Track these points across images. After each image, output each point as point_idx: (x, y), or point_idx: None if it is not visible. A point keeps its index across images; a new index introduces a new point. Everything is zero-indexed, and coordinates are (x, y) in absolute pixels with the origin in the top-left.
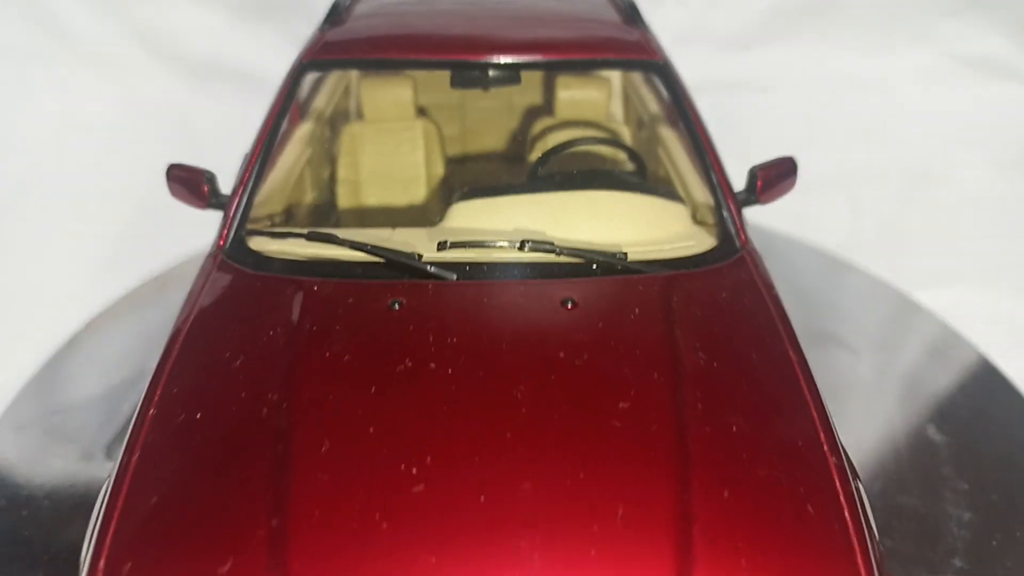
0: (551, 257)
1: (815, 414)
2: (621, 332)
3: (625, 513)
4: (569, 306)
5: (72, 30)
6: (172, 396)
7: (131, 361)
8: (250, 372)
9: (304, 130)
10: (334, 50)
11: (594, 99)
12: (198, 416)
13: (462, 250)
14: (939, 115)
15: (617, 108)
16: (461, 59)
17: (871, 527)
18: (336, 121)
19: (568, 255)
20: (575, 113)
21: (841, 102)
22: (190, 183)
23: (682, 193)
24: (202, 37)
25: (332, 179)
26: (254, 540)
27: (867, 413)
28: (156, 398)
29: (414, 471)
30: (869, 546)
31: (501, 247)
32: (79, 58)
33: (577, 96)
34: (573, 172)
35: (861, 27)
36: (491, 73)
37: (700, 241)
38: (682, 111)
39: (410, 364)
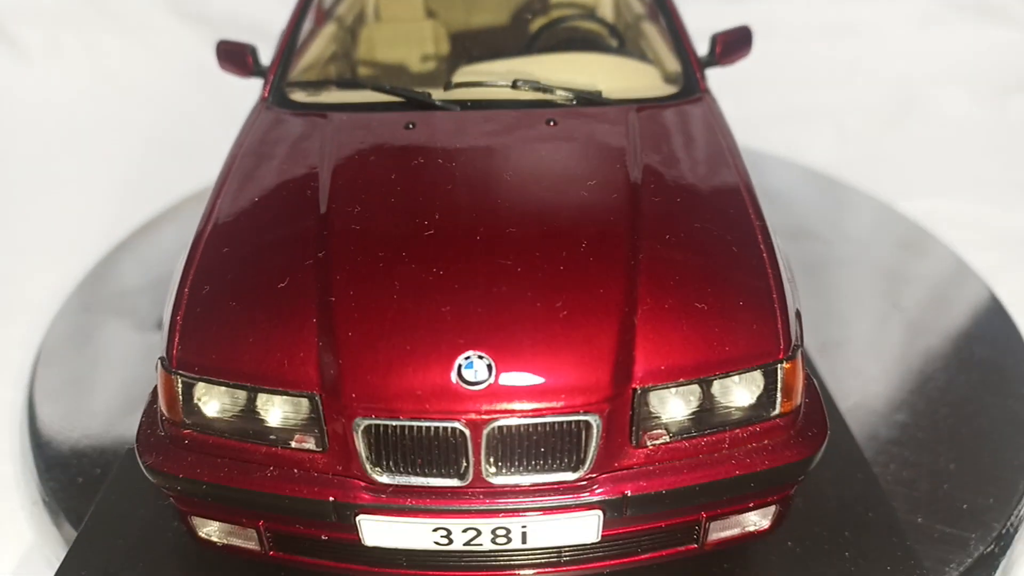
0: (539, 96)
1: (745, 193)
2: (591, 138)
3: (588, 243)
4: (551, 124)
5: None
6: (238, 184)
7: (173, 259)
8: (297, 166)
9: (328, 31)
10: None
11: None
12: (256, 198)
13: (465, 89)
14: (928, 56)
15: (608, 13)
16: None
17: (786, 267)
18: (355, 25)
19: (552, 92)
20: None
21: (835, 46)
22: (236, 55)
23: (655, 61)
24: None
25: (353, 71)
26: (304, 265)
27: (836, 287)
28: (223, 186)
29: (426, 223)
30: (782, 275)
31: (497, 86)
32: (109, 21)
33: None
34: (563, 39)
35: None
36: None
37: (666, 89)
38: None
39: (422, 161)
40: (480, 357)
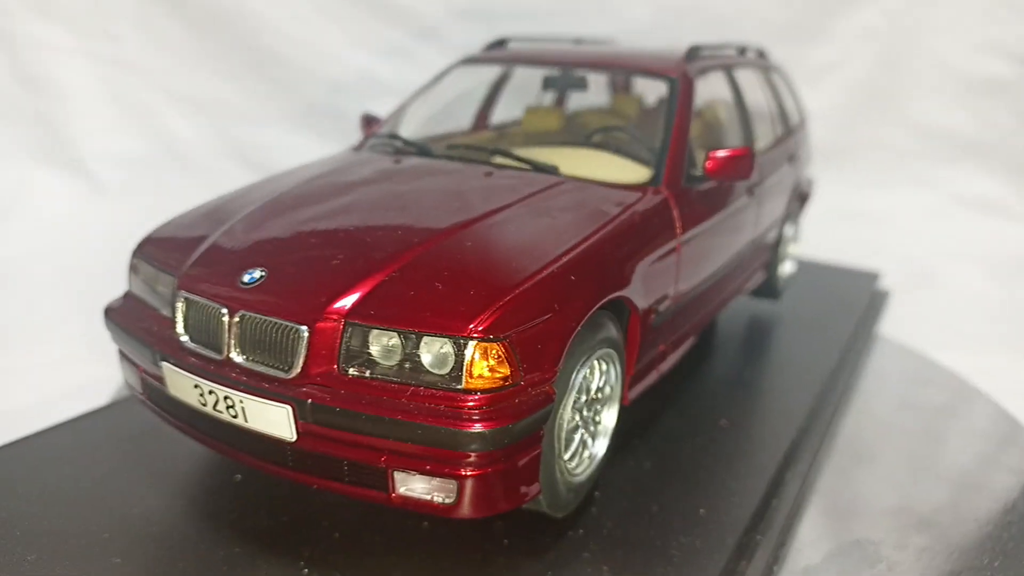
0: (508, 162)
1: (581, 241)
2: (503, 183)
3: (404, 232)
4: (488, 175)
5: (179, 143)
6: (277, 175)
7: None
8: (311, 169)
9: (484, 134)
10: (483, 58)
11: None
12: (272, 182)
13: (463, 150)
14: (940, 240)
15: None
16: (552, 64)
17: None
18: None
19: (517, 161)
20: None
21: (853, 229)
22: (370, 122)
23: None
24: (287, 153)
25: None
26: (239, 214)
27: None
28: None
29: (327, 204)
30: (547, 299)
31: (483, 152)
32: (182, 165)
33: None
34: (602, 142)
35: (869, 171)
36: (569, 77)
37: (626, 180)
38: (670, 110)
39: (375, 175)
40: (261, 271)
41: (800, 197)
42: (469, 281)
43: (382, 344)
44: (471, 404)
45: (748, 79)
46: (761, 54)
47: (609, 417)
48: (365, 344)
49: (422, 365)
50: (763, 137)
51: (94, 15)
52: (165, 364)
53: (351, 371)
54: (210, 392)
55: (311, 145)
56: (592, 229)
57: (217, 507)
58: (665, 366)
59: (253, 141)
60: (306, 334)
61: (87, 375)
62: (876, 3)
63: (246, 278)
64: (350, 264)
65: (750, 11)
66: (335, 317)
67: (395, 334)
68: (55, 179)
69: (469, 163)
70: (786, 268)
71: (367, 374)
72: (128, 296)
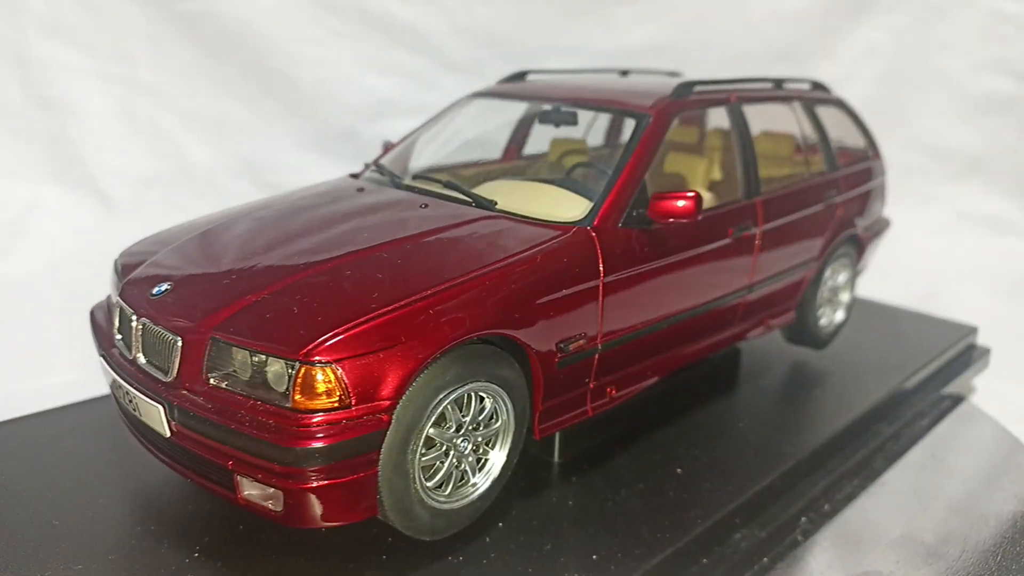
0: (455, 194)
1: (461, 275)
2: (431, 215)
3: (307, 260)
4: (422, 206)
5: (191, 162)
6: (261, 199)
7: None
8: (289, 195)
9: (506, 164)
10: (493, 92)
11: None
12: (250, 207)
13: (422, 181)
14: (944, 258)
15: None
16: (546, 101)
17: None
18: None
19: (464, 194)
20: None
21: None
22: (386, 146)
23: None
24: (298, 173)
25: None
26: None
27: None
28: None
29: (273, 228)
30: (397, 332)
31: (437, 182)
32: (193, 184)
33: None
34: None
35: None
36: (563, 111)
37: (566, 215)
38: (627, 150)
39: (329, 200)
40: (168, 284)
41: (854, 241)
42: (323, 308)
43: (238, 359)
44: (295, 422)
45: (778, 114)
46: (818, 85)
47: (498, 451)
48: (227, 358)
49: (269, 381)
50: (787, 176)
51: (107, 36)
52: (101, 359)
53: (211, 380)
54: (120, 386)
55: (322, 166)
56: (479, 265)
57: (155, 490)
58: (604, 403)
59: (264, 161)
60: (179, 344)
61: (93, 381)
62: (880, 21)
63: (155, 290)
64: (235, 285)
65: (754, 30)
66: (203, 331)
67: (246, 351)
68: (67, 197)
69: (418, 194)
70: (837, 316)
71: (223, 385)
72: (107, 300)
